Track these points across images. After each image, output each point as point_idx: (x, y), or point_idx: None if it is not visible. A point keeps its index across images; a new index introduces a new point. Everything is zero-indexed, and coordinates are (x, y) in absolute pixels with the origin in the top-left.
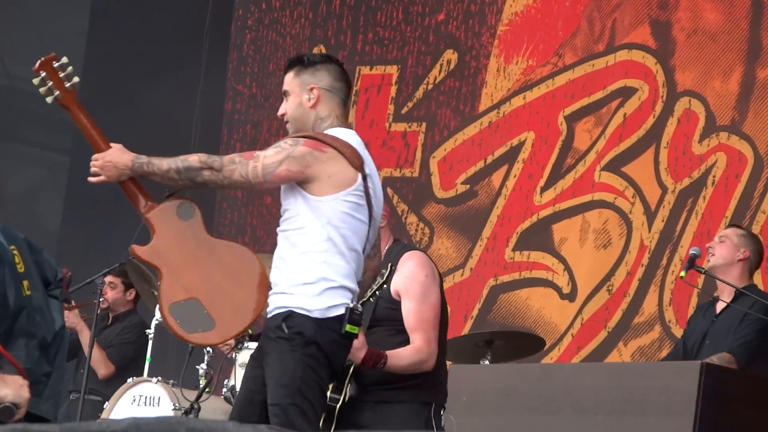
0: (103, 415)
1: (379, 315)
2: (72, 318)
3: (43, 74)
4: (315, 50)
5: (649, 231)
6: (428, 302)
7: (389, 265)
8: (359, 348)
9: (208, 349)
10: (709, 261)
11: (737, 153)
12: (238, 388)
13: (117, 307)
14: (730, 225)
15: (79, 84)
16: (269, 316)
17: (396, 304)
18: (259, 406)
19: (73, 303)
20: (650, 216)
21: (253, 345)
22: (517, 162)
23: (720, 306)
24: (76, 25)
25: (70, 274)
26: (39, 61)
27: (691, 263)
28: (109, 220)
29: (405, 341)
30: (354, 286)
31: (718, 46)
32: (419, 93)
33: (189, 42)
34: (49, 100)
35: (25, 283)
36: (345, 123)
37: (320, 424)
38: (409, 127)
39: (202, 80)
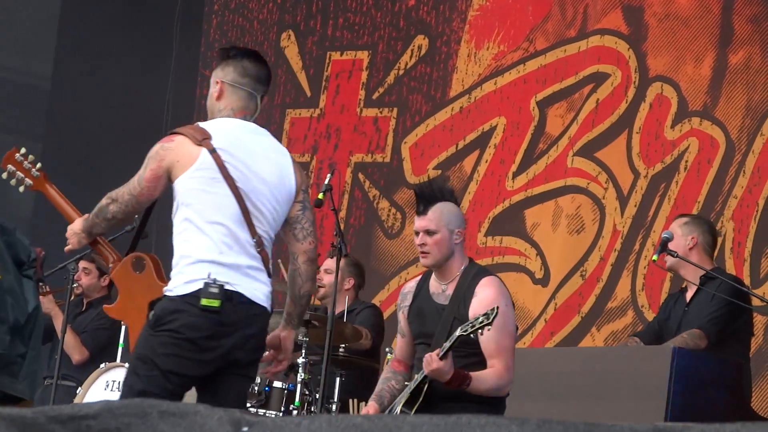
0: (76, 400)
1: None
2: (46, 303)
3: (10, 168)
4: (283, 36)
5: (622, 216)
6: (507, 330)
7: (496, 308)
8: (444, 369)
9: None
10: (667, 262)
11: (709, 138)
12: None
13: (91, 293)
14: (676, 216)
15: (41, 170)
16: None
17: None
18: None
19: (47, 288)
20: (623, 201)
21: None
22: (489, 147)
23: (690, 294)
24: (47, 10)
25: (43, 253)
26: (3, 158)
27: (663, 247)
28: (82, 206)
29: (472, 365)
30: (221, 257)
31: (690, 32)
32: (390, 78)
33: (161, 27)
34: (21, 189)
35: None
36: (241, 114)
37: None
38: (381, 112)
39: (173, 66)
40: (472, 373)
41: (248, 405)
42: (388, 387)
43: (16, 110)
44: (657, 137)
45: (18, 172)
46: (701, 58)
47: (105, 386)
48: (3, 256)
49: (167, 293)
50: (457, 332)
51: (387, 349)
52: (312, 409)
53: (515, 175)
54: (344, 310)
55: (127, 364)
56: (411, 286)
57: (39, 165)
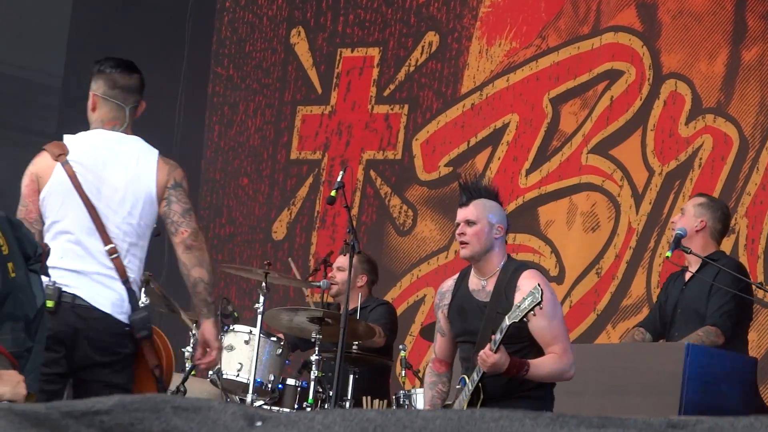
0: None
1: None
2: None
3: None
4: (293, 32)
5: (637, 213)
6: (557, 318)
7: (538, 285)
8: (500, 361)
9: (194, 331)
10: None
11: (723, 135)
12: (223, 371)
13: None
14: (695, 195)
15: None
16: None
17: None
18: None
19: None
20: (638, 199)
21: (240, 328)
22: (501, 144)
23: (688, 275)
24: (59, 8)
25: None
26: None
27: (677, 243)
28: None
29: (521, 353)
30: (61, 263)
31: (704, 28)
32: (401, 75)
33: (173, 24)
34: None
35: (10, 265)
36: (110, 125)
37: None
38: (392, 109)
39: (184, 63)
40: (530, 360)
41: (262, 402)
42: (437, 392)
43: (29, 108)
44: (671, 134)
45: None
46: (715, 55)
47: None
48: (15, 254)
49: None
50: (507, 321)
51: (400, 346)
52: (326, 407)
53: (528, 172)
54: (357, 307)
55: None
56: (449, 284)
57: None
